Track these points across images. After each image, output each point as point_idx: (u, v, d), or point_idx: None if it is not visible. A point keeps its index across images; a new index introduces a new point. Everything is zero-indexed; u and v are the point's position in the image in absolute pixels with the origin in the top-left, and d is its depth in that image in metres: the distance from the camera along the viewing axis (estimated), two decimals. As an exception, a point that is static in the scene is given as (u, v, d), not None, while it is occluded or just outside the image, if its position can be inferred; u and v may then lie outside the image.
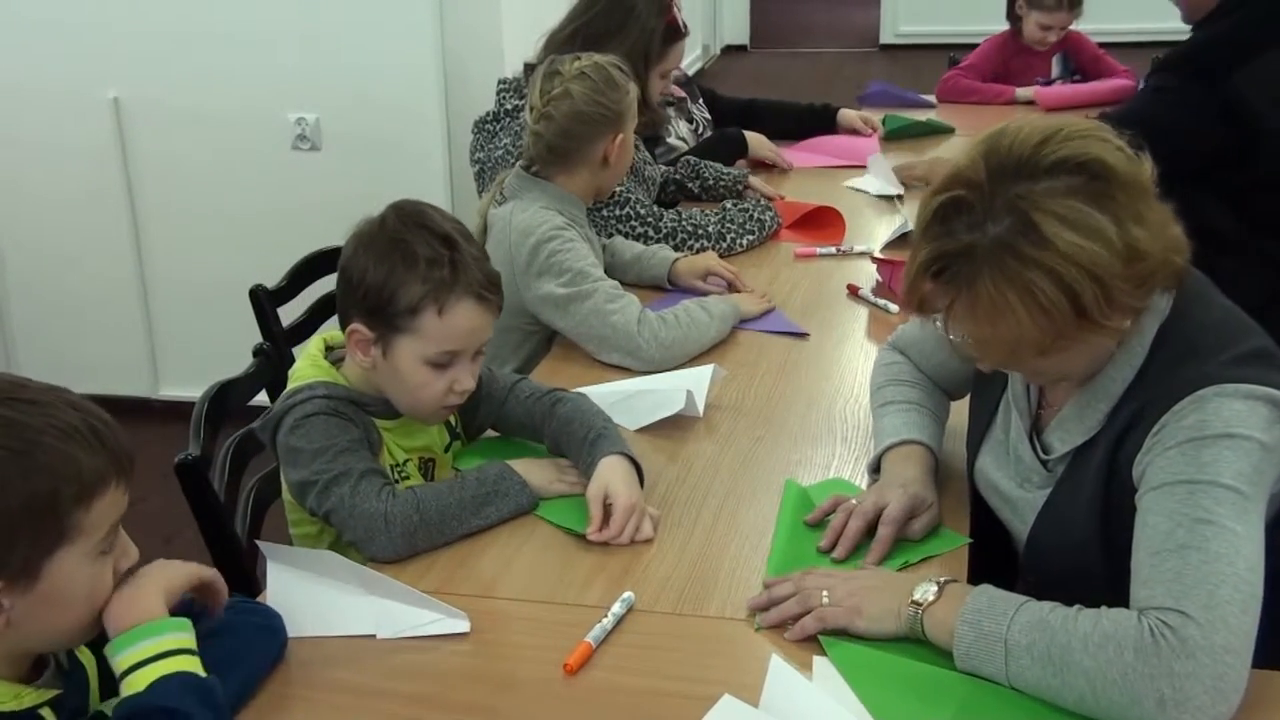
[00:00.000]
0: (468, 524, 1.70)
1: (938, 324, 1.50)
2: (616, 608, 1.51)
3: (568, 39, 2.86)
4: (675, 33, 2.94)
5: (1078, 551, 1.52)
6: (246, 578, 1.85)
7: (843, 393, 2.13)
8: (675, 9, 2.95)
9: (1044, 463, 1.60)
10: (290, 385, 1.77)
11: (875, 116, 3.86)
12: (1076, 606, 1.34)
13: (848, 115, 3.75)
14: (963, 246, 1.38)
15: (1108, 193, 1.36)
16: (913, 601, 1.42)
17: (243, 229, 3.79)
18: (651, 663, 1.45)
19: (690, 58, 7.64)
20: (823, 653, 1.43)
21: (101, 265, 3.96)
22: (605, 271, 2.45)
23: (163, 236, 3.92)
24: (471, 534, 1.70)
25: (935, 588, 1.42)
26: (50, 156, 3.87)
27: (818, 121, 3.74)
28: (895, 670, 1.40)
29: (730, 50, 9.43)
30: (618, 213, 2.74)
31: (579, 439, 1.82)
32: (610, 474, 1.73)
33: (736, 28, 9.58)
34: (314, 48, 3.62)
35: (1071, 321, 1.36)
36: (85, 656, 1.32)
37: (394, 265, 1.68)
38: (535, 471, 1.80)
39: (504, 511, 1.73)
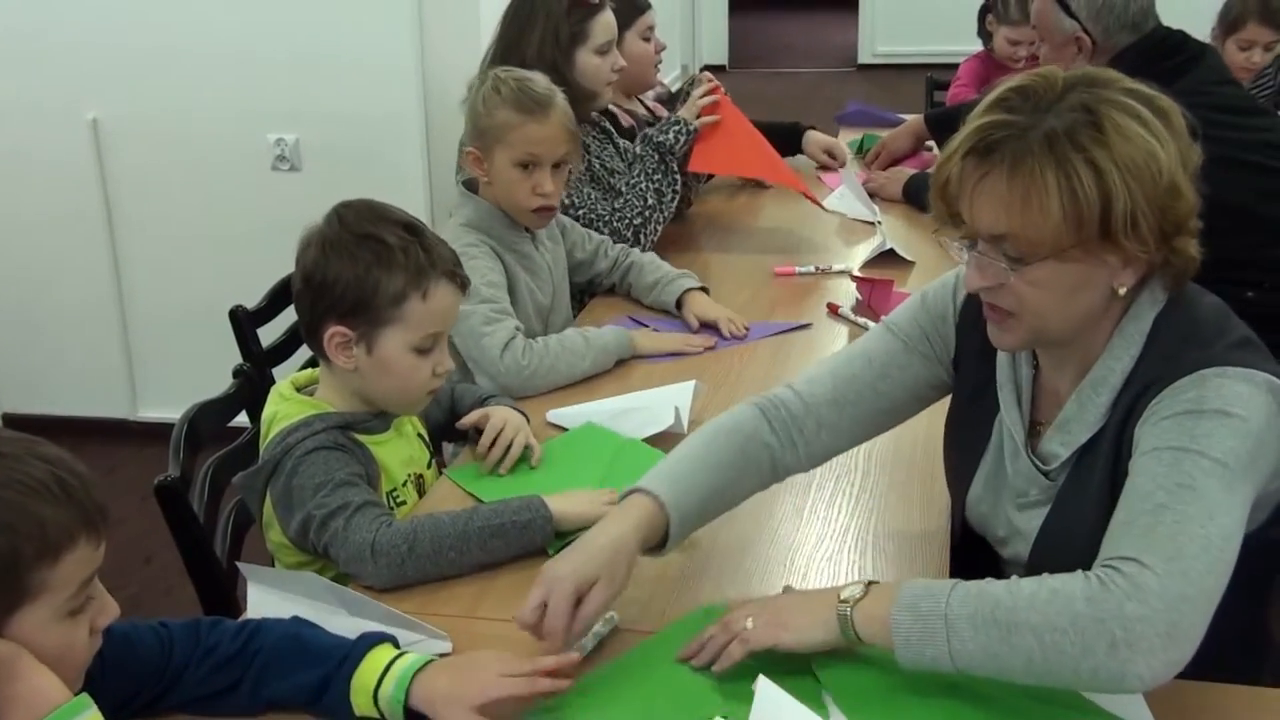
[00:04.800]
0: (469, 556, 1.65)
1: (944, 239, 1.52)
2: (599, 627, 1.51)
3: (494, 52, 2.88)
4: (585, 6, 2.84)
5: (1086, 554, 1.47)
6: (226, 599, 1.84)
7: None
8: None
9: (1045, 473, 1.56)
10: (275, 429, 1.75)
11: (847, 138, 3.88)
12: (1014, 576, 1.33)
13: (815, 139, 3.67)
14: (1020, 125, 1.38)
15: (1169, 128, 1.39)
16: (840, 600, 1.39)
17: (222, 250, 3.78)
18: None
19: (670, 77, 7.66)
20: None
21: (80, 286, 3.94)
22: (624, 291, 2.64)
23: (142, 257, 3.91)
24: (480, 568, 1.66)
25: (861, 586, 1.39)
26: (29, 177, 3.85)
27: (785, 141, 3.66)
28: (888, 693, 1.38)
29: (709, 70, 9.47)
30: (580, 217, 2.77)
31: (470, 401, 2.04)
32: (495, 409, 1.99)
33: (715, 47, 9.61)
34: (293, 69, 3.62)
35: (1095, 230, 1.36)
36: None
37: (370, 260, 1.71)
38: (570, 503, 1.73)
39: (515, 545, 1.68)
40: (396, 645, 1.42)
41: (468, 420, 1.98)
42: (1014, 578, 1.33)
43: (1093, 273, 1.41)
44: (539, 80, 2.39)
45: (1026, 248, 1.40)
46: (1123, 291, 1.43)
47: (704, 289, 2.60)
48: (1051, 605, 1.26)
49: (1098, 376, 1.48)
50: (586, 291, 2.76)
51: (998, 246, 1.42)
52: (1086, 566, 1.39)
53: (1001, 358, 1.60)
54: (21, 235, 3.93)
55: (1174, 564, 1.24)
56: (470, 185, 2.46)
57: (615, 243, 2.76)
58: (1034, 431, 1.60)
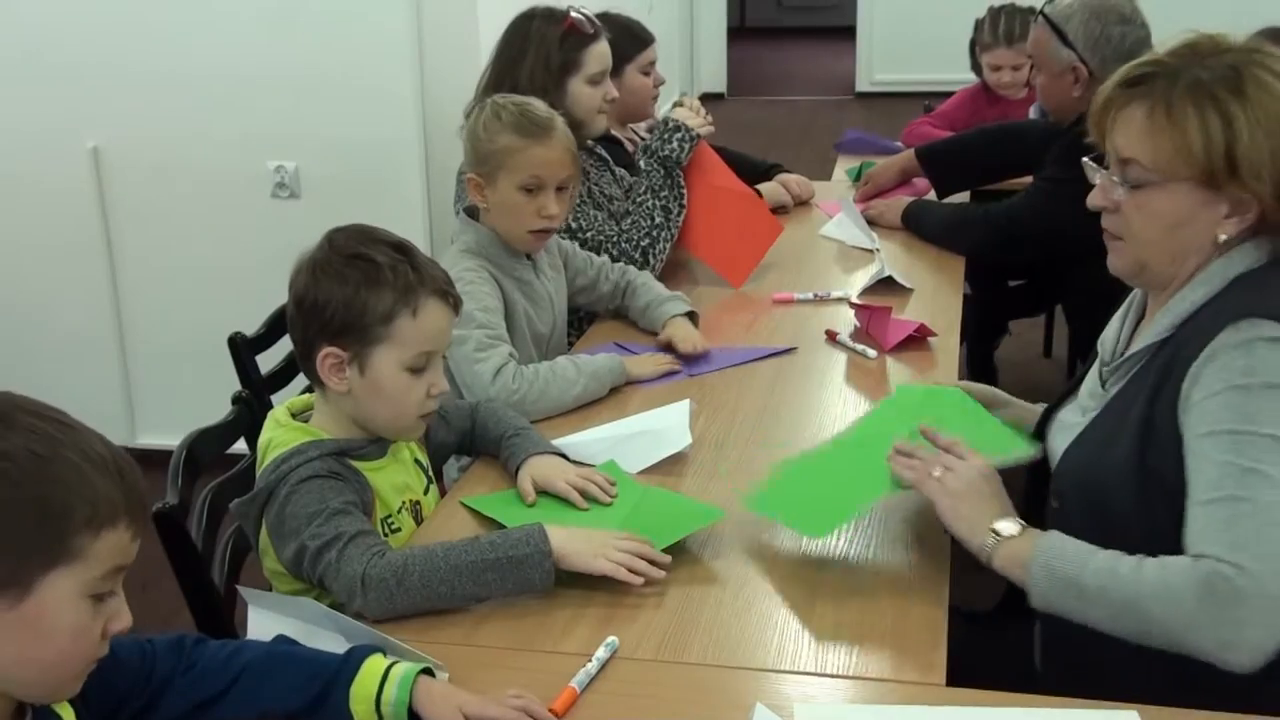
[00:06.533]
0: (462, 590, 1.60)
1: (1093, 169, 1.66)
2: (600, 652, 1.51)
3: (488, 79, 2.91)
4: (578, 35, 2.87)
5: (1110, 470, 1.59)
6: (224, 626, 1.83)
7: (821, 437, 2.13)
8: (573, 13, 2.89)
9: (1102, 384, 1.70)
10: (270, 456, 1.75)
11: (846, 166, 3.89)
12: (1139, 556, 1.46)
13: (786, 180, 3.63)
14: (1172, 68, 1.55)
15: None
16: (992, 530, 1.57)
17: (222, 277, 3.79)
18: (632, 710, 1.44)
19: (666, 106, 7.70)
20: (803, 700, 1.43)
21: (79, 312, 3.95)
22: (623, 315, 2.64)
23: (141, 285, 3.92)
24: (478, 601, 1.62)
25: (1017, 528, 1.56)
26: (29, 205, 3.86)
27: (759, 179, 3.62)
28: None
29: (707, 98, 9.51)
30: (588, 240, 2.77)
31: (494, 436, 2.03)
32: (539, 468, 1.90)
33: (713, 76, 9.66)
34: (293, 96, 3.64)
35: (1211, 170, 1.51)
36: (66, 713, 1.27)
37: (359, 279, 1.72)
38: (576, 542, 1.65)
39: (511, 581, 1.62)
40: (385, 655, 1.44)
41: (526, 489, 1.90)
42: (1138, 558, 1.45)
43: (1198, 212, 1.54)
44: (538, 105, 2.42)
45: (1146, 173, 1.56)
46: (1223, 239, 1.55)
47: (691, 313, 2.59)
48: (1169, 603, 1.40)
49: (1171, 305, 1.61)
50: (585, 319, 2.76)
51: (1122, 171, 1.59)
52: (1110, 476, 1.59)
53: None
54: (21, 262, 3.93)
55: (1265, 564, 1.36)
56: (471, 212, 2.47)
57: (625, 264, 2.75)
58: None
